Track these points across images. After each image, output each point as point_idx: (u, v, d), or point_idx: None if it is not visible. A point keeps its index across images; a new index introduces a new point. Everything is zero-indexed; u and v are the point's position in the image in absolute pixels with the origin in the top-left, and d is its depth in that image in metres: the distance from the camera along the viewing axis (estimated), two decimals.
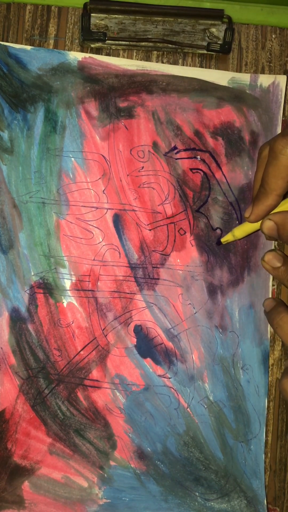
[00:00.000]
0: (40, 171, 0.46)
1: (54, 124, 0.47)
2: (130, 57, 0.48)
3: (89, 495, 0.46)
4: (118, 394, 0.47)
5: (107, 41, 0.47)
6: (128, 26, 0.47)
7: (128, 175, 0.47)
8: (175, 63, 0.48)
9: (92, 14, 0.47)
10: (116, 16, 0.47)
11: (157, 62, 0.48)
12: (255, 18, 0.49)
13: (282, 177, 0.41)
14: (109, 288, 0.47)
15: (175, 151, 0.48)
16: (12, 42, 0.47)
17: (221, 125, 0.48)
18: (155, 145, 0.47)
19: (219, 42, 0.47)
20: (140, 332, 0.47)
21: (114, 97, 0.47)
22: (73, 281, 0.46)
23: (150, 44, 0.48)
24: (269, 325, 0.47)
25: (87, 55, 0.47)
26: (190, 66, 0.48)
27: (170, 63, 0.48)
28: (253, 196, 0.44)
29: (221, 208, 0.48)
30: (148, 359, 0.47)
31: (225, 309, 0.47)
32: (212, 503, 0.47)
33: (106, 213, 0.47)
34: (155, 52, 0.48)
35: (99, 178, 0.47)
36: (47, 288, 0.46)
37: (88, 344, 0.46)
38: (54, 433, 0.46)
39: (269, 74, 0.49)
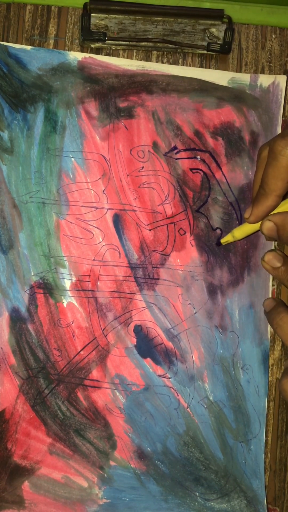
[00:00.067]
0: (40, 171, 0.46)
1: (54, 124, 0.47)
2: (130, 57, 0.48)
3: (89, 495, 0.46)
4: (118, 394, 0.47)
5: (107, 41, 0.47)
6: (128, 26, 0.47)
7: (128, 175, 0.47)
8: (175, 63, 0.48)
9: (92, 14, 0.47)
10: (116, 16, 0.47)
11: (157, 62, 0.48)
12: (255, 18, 0.49)
13: (281, 178, 0.41)
14: (109, 288, 0.47)
15: (175, 151, 0.48)
16: (12, 42, 0.47)
17: (221, 125, 0.48)
18: (155, 145, 0.47)
19: (219, 42, 0.47)
20: (140, 332, 0.47)
21: (114, 97, 0.47)
22: (73, 281, 0.46)
23: (150, 44, 0.48)
24: (269, 325, 0.47)
25: (87, 55, 0.47)
26: (190, 66, 0.48)
27: (170, 63, 0.48)
28: (253, 197, 0.44)
29: (221, 208, 0.48)
30: (148, 359, 0.47)
31: (225, 309, 0.47)
32: (212, 503, 0.47)
33: (106, 213, 0.47)
34: (155, 52, 0.48)
35: (99, 178, 0.47)
36: (47, 288, 0.46)
37: (88, 344, 0.46)
38: (54, 433, 0.46)
39: (269, 74, 0.49)
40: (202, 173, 0.48)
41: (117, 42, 0.47)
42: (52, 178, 0.47)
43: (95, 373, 0.46)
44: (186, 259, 0.47)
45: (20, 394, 0.46)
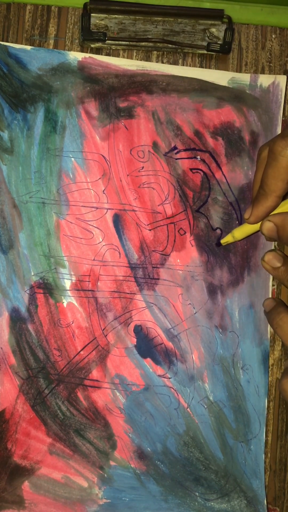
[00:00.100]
0: (40, 171, 0.46)
1: (54, 124, 0.47)
2: (130, 57, 0.48)
3: (89, 495, 0.46)
4: (118, 394, 0.47)
5: (107, 41, 0.47)
6: (128, 26, 0.47)
7: (128, 175, 0.47)
8: (175, 63, 0.48)
9: (92, 14, 0.47)
10: (116, 16, 0.47)
11: (157, 62, 0.48)
12: (255, 18, 0.49)
13: (281, 178, 0.41)
14: (109, 288, 0.47)
15: (175, 151, 0.48)
16: (12, 42, 0.47)
17: (221, 125, 0.48)
18: (155, 145, 0.47)
19: (219, 42, 0.47)
20: (140, 332, 0.47)
21: (114, 97, 0.47)
22: (73, 281, 0.46)
23: (150, 44, 0.48)
24: (269, 325, 0.47)
25: (87, 55, 0.47)
26: (190, 66, 0.48)
27: (170, 63, 0.48)
28: (253, 197, 0.44)
29: (221, 208, 0.48)
30: (148, 359, 0.47)
31: (225, 309, 0.47)
32: (212, 503, 0.47)
33: (106, 213, 0.47)
34: (155, 52, 0.48)
35: (99, 178, 0.47)
36: (47, 288, 0.46)
37: (88, 344, 0.46)
38: (54, 433, 0.46)
39: (269, 74, 0.49)
40: (202, 173, 0.48)
41: (117, 42, 0.47)
42: (52, 178, 0.47)
43: (95, 373, 0.47)
44: (186, 259, 0.47)
45: (20, 394, 0.46)
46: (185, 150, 0.48)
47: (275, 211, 0.43)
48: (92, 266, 0.47)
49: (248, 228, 0.45)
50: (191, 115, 0.48)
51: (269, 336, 0.48)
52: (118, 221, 0.47)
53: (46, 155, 0.47)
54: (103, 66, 0.47)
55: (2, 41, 0.47)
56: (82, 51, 0.48)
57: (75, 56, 0.47)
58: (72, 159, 0.47)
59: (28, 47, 0.47)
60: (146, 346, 0.47)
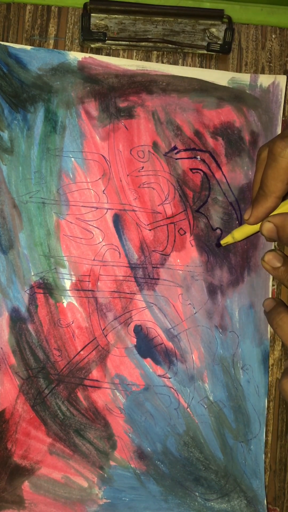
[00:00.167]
0: (40, 171, 0.46)
1: (54, 124, 0.47)
2: (130, 57, 0.48)
3: (89, 495, 0.46)
4: (118, 394, 0.47)
5: (107, 41, 0.47)
6: (128, 26, 0.47)
7: (128, 175, 0.47)
8: (175, 63, 0.48)
9: (92, 14, 0.47)
10: (116, 16, 0.47)
11: (157, 62, 0.48)
12: (255, 18, 0.49)
13: (281, 179, 0.41)
14: (109, 288, 0.47)
15: (175, 151, 0.48)
16: (12, 42, 0.47)
17: (221, 125, 0.48)
18: (155, 145, 0.47)
19: (219, 42, 0.47)
20: (140, 332, 0.47)
21: (114, 97, 0.47)
22: (73, 281, 0.46)
23: (150, 44, 0.48)
24: (269, 325, 0.47)
25: (87, 55, 0.47)
26: (190, 66, 0.48)
27: (170, 63, 0.48)
28: (252, 198, 0.44)
29: (221, 208, 0.48)
30: (148, 359, 0.47)
31: (225, 309, 0.47)
32: (212, 503, 0.47)
33: (106, 213, 0.47)
34: (155, 52, 0.48)
35: (99, 178, 0.47)
36: (47, 288, 0.46)
37: (88, 344, 0.46)
38: (54, 433, 0.46)
39: (269, 74, 0.49)
40: (202, 173, 0.48)
41: (117, 42, 0.47)
42: (52, 178, 0.47)
43: (95, 373, 0.47)
44: (186, 259, 0.47)
45: (20, 394, 0.46)
46: (185, 150, 0.48)
47: (275, 212, 0.43)
48: (92, 266, 0.47)
49: (248, 229, 0.45)
50: (191, 115, 0.48)
51: (269, 336, 0.48)
52: (118, 221, 0.47)
53: (46, 155, 0.47)
54: (103, 66, 0.47)
55: (2, 41, 0.47)
56: (82, 51, 0.48)
57: (75, 56, 0.47)
58: (72, 159, 0.47)
59: (28, 47, 0.47)
60: (146, 346, 0.47)
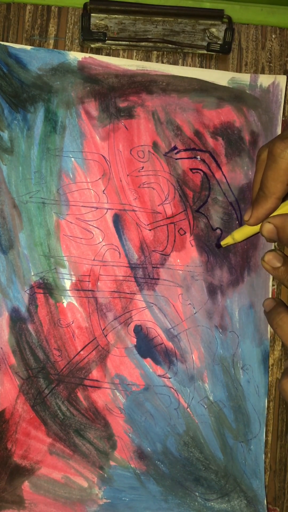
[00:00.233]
0: (40, 171, 0.46)
1: (54, 124, 0.47)
2: (130, 57, 0.48)
3: (89, 495, 0.46)
4: (118, 394, 0.47)
5: (107, 41, 0.47)
6: (128, 26, 0.47)
7: (128, 175, 0.47)
8: (175, 63, 0.48)
9: (92, 14, 0.47)
10: (116, 16, 0.47)
11: (157, 62, 0.48)
12: (255, 18, 0.49)
13: (281, 180, 0.41)
14: (109, 288, 0.47)
15: (175, 151, 0.48)
16: (12, 42, 0.47)
17: (221, 125, 0.48)
18: (155, 145, 0.47)
19: (219, 42, 0.47)
20: (140, 332, 0.47)
21: (114, 97, 0.47)
22: (73, 281, 0.46)
23: (150, 44, 0.48)
24: (269, 325, 0.47)
25: (87, 55, 0.47)
26: (190, 66, 0.48)
27: (170, 63, 0.48)
28: (252, 199, 0.44)
29: (221, 208, 0.48)
30: (148, 359, 0.47)
31: (225, 309, 0.47)
32: (212, 503, 0.47)
33: (106, 213, 0.47)
34: (155, 52, 0.48)
35: (99, 178, 0.47)
36: (47, 288, 0.46)
37: (88, 344, 0.46)
38: (54, 433, 0.46)
39: (269, 74, 0.49)
40: (202, 173, 0.48)
41: (117, 42, 0.47)
42: (52, 178, 0.47)
43: (95, 373, 0.47)
44: (186, 259, 0.47)
45: (20, 394, 0.46)
46: (185, 150, 0.48)
47: (275, 213, 0.43)
48: (92, 266, 0.47)
49: (248, 229, 0.45)
50: (191, 115, 0.48)
51: (269, 336, 0.48)
52: (118, 221, 0.47)
53: (46, 155, 0.47)
54: (103, 66, 0.47)
55: (2, 41, 0.47)
56: (82, 51, 0.48)
57: (75, 56, 0.47)
58: (72, 159, 0.47)
59: (28, 47, 0.47)
60: (146, 346, 0.47)
